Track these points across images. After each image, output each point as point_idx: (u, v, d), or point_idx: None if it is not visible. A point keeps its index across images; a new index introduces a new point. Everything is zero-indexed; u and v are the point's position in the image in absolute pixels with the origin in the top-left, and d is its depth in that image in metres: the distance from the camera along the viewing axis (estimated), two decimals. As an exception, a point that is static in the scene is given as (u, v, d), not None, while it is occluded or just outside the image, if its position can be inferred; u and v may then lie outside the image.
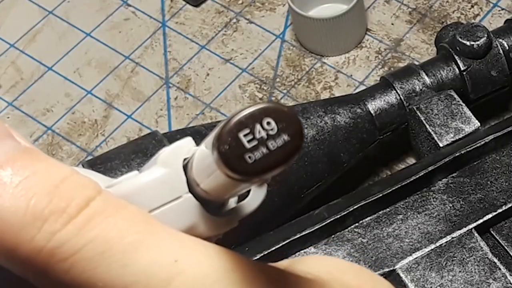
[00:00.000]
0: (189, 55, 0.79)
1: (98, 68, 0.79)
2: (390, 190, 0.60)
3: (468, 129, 0.65)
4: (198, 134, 0.62)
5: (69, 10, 0.83)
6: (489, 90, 0.68)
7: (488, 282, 0.57)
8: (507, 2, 0.82)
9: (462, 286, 0.58)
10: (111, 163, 0.61)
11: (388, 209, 0.61)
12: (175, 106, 0.77)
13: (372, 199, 0.60)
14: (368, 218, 0.61)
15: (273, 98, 0.78)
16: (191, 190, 0.34)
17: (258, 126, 0.25)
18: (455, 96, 0.66)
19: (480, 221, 0.60)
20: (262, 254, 0.58)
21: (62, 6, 0.83)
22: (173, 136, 0.63)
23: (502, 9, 0.81)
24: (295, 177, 0.64)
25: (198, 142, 0.51)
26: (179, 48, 0.80)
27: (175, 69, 0.79)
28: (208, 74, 0.78)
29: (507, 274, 0.58)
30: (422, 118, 0.65)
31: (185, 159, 0.36)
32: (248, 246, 0.60)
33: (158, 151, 0.54)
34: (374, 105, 0.66)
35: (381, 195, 0.60)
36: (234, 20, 0.82)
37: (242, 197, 0.34)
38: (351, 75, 0.76)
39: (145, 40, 0.81)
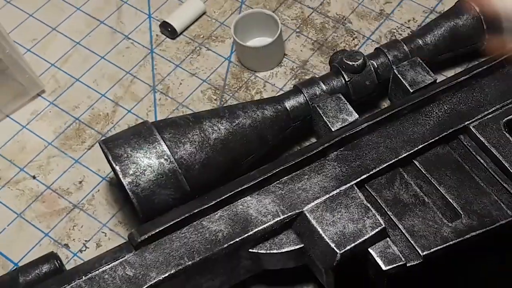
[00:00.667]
0: (168, 71, 0.86)
1: (109, 79, 0.85)
2: (300, 159, 0.66)
3: (350, 119, 0.71)
4: (174, 123, 0.68)
5: (90, 41, 0.89)
6: (364, 94, 0.76)
7: (363, 219, 0.62)
8: (376, 36, 0.87)
9: (346, 221, 0.62)
10: (117, 141, 0.66)
11: (298, 172, 0.67)
12: (159, 104, 0.84)
13: (288, 165, 0.66)
14: (285, 177, 0.66)
15: (223, 100, 0.84)
16: None
17: None
18: (342, 98, 0.73)
19: (358, 179, 0.66)
20: (216, 201, 0.63)
21: (85, 39, 0.89)
22: (157, 124, 0.68)
23: (373, 41, 0.87)
24: (237, 151, 0.70)
25: (175, 129, 0.64)
26: (162, 67, 0.86)
27: (159, 80, 0.85)
28: (181, 83, 0.85)
29: (376, 214, 0.62)
30: (320, 112, 0.72)
31: None
32: (207, 195, 0.65)
33: (148, 133, 0.64)
34: (289, 104, 0.74)
35: (293, 162, 0.66)
36: (198, 48, 0.88)
37: None
38: (274, 84, 0.84)
39: (139, 61, 0.87)
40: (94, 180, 0.78)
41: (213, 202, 0.63)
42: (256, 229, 0.62)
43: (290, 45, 0.87)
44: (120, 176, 0.63)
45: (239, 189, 0.64)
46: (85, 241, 0.73)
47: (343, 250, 0.60)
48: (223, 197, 0.64)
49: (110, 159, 0.64)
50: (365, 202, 0.64)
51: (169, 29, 0.88)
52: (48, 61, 0.87)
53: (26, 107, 0.84)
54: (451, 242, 0.62)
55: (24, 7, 0.92)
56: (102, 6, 0.92)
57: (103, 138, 0.68)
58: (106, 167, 0.75)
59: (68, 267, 0.66)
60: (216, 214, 0.64)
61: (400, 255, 0.61)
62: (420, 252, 0.62)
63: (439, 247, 0.62)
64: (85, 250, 0.73)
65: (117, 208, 0.76)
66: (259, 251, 0.63)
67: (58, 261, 0.62)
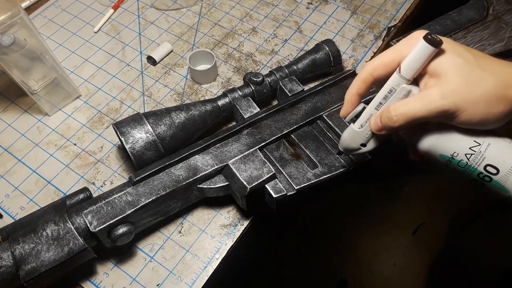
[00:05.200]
0: (151, 84, 0.84)
1: (118, 89, 0.84)
2: (226, 134, 0.65)
3: (255, 111, 0.69)
4: (155, 113, 0.66)
5: (107, 67, 0.87)
6: (263, 97, 0.74)
7: (262, 168, 0.62)
8: (269, 64, 0.85)
9: (253, 170, 0.62)
10: (122, 124, 0.64)
11: (225, 141, 0.66)
12: (146, 102, 0.81)
13: (220, 137, 0.65)
14: (218, 144, 0.65)
15: (182, 100, 0.81)
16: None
17: None
18: (250, 99, 0.71)
19: (259, 145, 0.65)
20: (178, 158, 0.62)
21: (104, 65, 0.87)
22: (145, 114, 0.66)
23: (268, 67, 0.85)
24: (190, 129, 0.68)
25: (156, 117, 0.63)
26: (147, 81, 0.84)
27: (146, 89, 0.83)
28: (158, 91, 0.83)
29: (269, 165, 0.62)
30: (238, 107, 0.70)
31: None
32: (173, 155, 0.63)
33: (140, 119, 0.64)
34: (220, 102, 0.72)
35: (223, 135, 0.65)
36: (168, 71, 0.85)
37: None
38: (212, 91, 0.82)
39: (135, 78, 0.85)
40: (109, 146, 0.77)
41: (177, 158, 0.63)
42: (201, 174, 0.63)
43: (221, 69, 0.86)
44: (124, 143, 0.63)
45: (192, 151, 0.64)
46: (104, 180, 0.74)
47: (251, 186, 0.61)
48: (182, 156, 0.63)
49: (118, 134, 0.64)
50: (263, 158, 0.64)
51: (152, 60, 0.87)
52: (83, 78, 0.86)
53: (70, 104, 0.83)
54: (312, 181, 0.63)
55: (69, 47, 0.91)
56: (114, 47, 0.91)
57: (114, 122, 0.67)
58: (116, 138, 0.78)
59: (94, 196, 0.67)
60: (178, 165, 0.64)
61: (283, 189, 0.62)
62: (295, 187, 0.63)
63: (305, 184, 0.63)
64: (104, 186, 0.73)
65: (122, 161, 0.75)
66: (203, 186, 0.64)
67: (88, 192, 0.63)
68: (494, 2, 0.77)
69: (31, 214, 0.58)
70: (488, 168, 0.44)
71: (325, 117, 0.70)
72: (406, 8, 0.93)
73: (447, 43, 0.43)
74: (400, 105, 0.44)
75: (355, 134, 0.53)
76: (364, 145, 0.53)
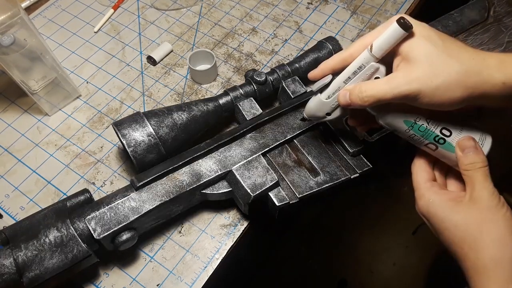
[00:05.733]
0: (151, 84, 0.84)
1: (118, 88, 0.83)
2: (230, 138, 0.65)
3: (257, 112, 0.69)
4: (156, 113, 0.65)
5: (107, 67, 0.87)
6: (265, 96, 0.73)
7: (265, 175, 0.61)
8: (269, 63, 0.84)
9: (256, 176, 0.61)
10: (123, 124, 0.63)
11: (228, 145, 0.65)
12: (146, 102, 0.81)
13: (223, 141, 0.64)
14: (221, 148, 0.65)
15: (182, 100, 0.80)
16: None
17: None
18: (253, 100, 0.71)
19: (263, 151, 0.64)
20: (181, 162, 0.62)
21: (104, 65, 0.87)
22: (146, 113, 0.65)
23: (268, 67, 0.84)
24: (192, 130, 0.67)
25: (157, 118, 0.62)
26: (148, 81, 0.84)
27: (146, 89, 0.83)
28: (158, 91, 0.82)
29: (273, 172, 0.62)
30: (240, 108, 0.69)
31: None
32: (176, 158, 0.63)
33: (141, 121, 0.63)
34: (221, 101, 0.71)
35: (226, 139, 0.65)
36: (168, 71, 0.86)
37: None
38: (212, 91, 0.82)
39: (135, 78, 0.85)
40: (109, 146, 0.77)
41: (180, 163, 0.62)
42: (205, 180, 0.62)
43: (221, 69, 0.86)
44: (126, 147, 0.62)
45: (195, 155, 0.63)
46: (104, 180, 0.73)
47: (255, 194, 0.61)
48: (186, 160, 0.63)
49: (120, 136, 0.63)
50: (266, 165, 0.63)
51: (152, 60, 0.87)
52: (83, 78, 0.86)
53: (70, 104, 0.83)
54: (314, 190, 0.63)
55: (69, 47, 0.91)
56: (114, 47, 0.90)
57: (114, 121, 0.66)
58: (116, 138, 0.78)
59: (94, 196, 0.66)
60: (181, 170, 0.63)
61: (286, 197, 0.62)
62: (297, 195, 0.62)
63: (308, 192, 0.63)
64: (104, 186, 0.72)
65: (122, 162, 0.75)
66: (206, 192, 0.63)
67: (89, 194, 0.62)
68: (495, 2, 0.77)
69: (31, 217, 0.58)
70: (443, 131, 0.49)
71: (328, 123, 0.69)
72: (406, 8, 0.93)
73: (420, 27, 0.46)
74: (371, 87, 0.47)
75: (322, 104, 0.56)
76: (329, 114, 0.57)
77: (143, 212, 0.58)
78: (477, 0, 0.81)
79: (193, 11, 0.95)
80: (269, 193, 0.62)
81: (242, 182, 0.61)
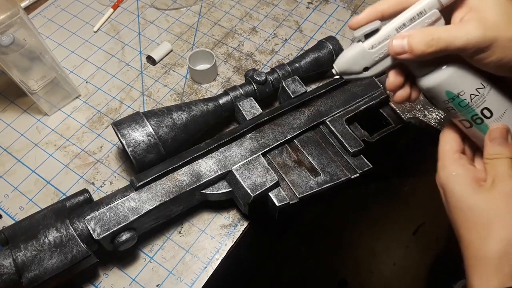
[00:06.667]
0: (151, 83, 0.84)
1: (117, 88, 0.83)
2: (229, 138, 0.65)
3: (257, 112, 0.69)
4: (155, 113, 0.65)
5: (106, 66, 0.87)
6: (265, 96, 0.73)
7: (266, 175, 0.61)
8: (269, 63, 0.85)
9: (256, 176, 0.61)
10: (122, 124, 0.63)
11: (228, 145, 0.65)
12: (146, 102, 0.81)
13: (223, 141, 0.64)
14: (221, 148, 0.64)
15: (182, 100, 0.80)
16: None
17: None
18: (253, 100, 0.70)
19: (263, 151, 0.64)
20: (181, 162, 0.62)
21: (103, 65, 0.87)
22: (146, 113, 0.65)
23: (268, 67, 0.85)
24: (192, 130, 0.67)
25: (157, 118, 0.62)
26: (147, 81, 0.84)
27: (146, 88, 0.83)
28: (158, 90, 0.82)
29: (273, 173, 0.62)
30: (240, 108, 0.69)
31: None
32: (175, 158, 0.63)
33: (141, 121, 0.62)
34: (221, 101, 0.70)
35: (226, 139, 0.65)
36: (168, 71, 0.86)
37: None
38: (212, 91, 0.82)
39: (134, 78, 0.85)
40: (108, 146, 0.77)
41: (180, 163, 0.62)
42: (205, 180, 0.62)
43: (221, 69, 0.86)
44: (126, 147, 0.62)
45: (195, 155, 0.63)
46: (104, 180, 0.73)
47: (255, 194, 0.61)
48: (185, 160, 0.63)
49: (119, 136, 0.63)
50: (266, 165, 0.63)
51: (152, 60, 0.87)
52: (82, 78, 0.86)
53: (70, 104, 0.83)
54: (314, 190, 0.63)
55: (69, 47, 0.91)
56: (113, 47, 0.90)
57: (113, 121, 0.66)
58: (115, 138, 0.77)
59: (94, 197, 0.67)
60: (181, 170, 0.63)
61: (286, 197, 0.62)
62: (298, 195, 0.62)
63: (308, 193, 0.63)
64: (103, 186, 0.72)
65: (122, 162, 0.75)
66: (206, 192, 0.63)
67: (88, 194, 0.62)
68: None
69: (30, 217, 0.58)
70: (484, 111, 0.46)
71: (328, 122, 0.69)
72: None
73: None
74: (441, 30, 0.42)
75: (364, 55, 0.47)
76: (367, 69, 0.48)
77: (142, 212, 0.58)
78: None
79: (193, 10, 0.95)
80: (269, 193, 0.62)
81: (242, 182, 0.61)
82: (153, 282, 0.63)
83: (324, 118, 0.69)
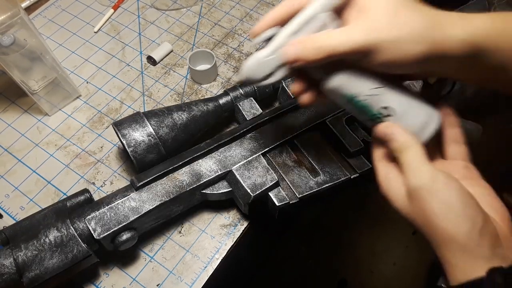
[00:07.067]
0: (151, 84, 0.84)
1: (118, 88, 0.83)
2: (230, 138, 0.65)
3: (257, 112, 0.69)
4: (156, 113, 0.65)
5: (107, 67, 0.86)
6: (264, 96, 0.74)
7: (266, 175, 0.61)
8: None
9: (256, 176, 0.61)
10: (123, 124, 0.63)
11: (229, 145, 0.65)
12: (146, 102, 0.81)
13: (223, 141, 0.64)
14: (221, 148, 0.64)
15: (182, 100, 0.80)
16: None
17: None
18: (253, 100, 0.71)
19: (263, 151, 0.64)
20: (182, 162, 0.62)
21: (104, 65, 0.87)
22: (146, 113, 0.65)
23: None
24: (192, 130, 0.67)
25: (157, 118, 0.61)
26: (148, 81, 0.84)
27: (146, 89, 0.83)
28: (158, 91, 0.82)
29: (273, 172, 0.62)
30: (240, 108, 0.70)
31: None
32: (176, 158, 0.63)
33: (141, 121, 0.62)
34: (221, 101, 0.71)
35: (226, 139, 0.65)
36: (168, 71, 0.86)
37: None
38: (212, 91, 0.82)
39: (135, 78, 0.85)
40: (109, 146, 0.77)
41: (180, 163, 0.62)
42: (205, 180, 0.62)
43: (221, 69, 0.86)
44: (126, 147, 0.63)
45: (195, 155, 0.63)
46: (104, 180, 0.73)
47: (255, 194, 0.61)
48: (186, 160, 0.63)
49: (120, 136, 0.63)
50: (266, 165, 0.63)
51: (152, 60, 0.87)
52: (83, 78, 0.86)
53: (70, 104, 0.83)
54: (314, 190, 0.63)
55: (69, 47, 0.91)
56: (114, 47, 0.90)
57: (114, 122, 0.66)
58: (116, 138, 0.78)
59: (94, 196, 0.66)
60: (181, 170, 0.63)
61: (286, 197, 0.62)
62: (297, 195, 0.62)
63: (308, 192, 0.62)
64: (104, 186, 0.73)
65: (122, 162, 0.75)
66: (206, 192, 0.63)
67: (89, 194, 0.62)
68: (495, 3, 0.78)
69: (31, 217, 0.58)
70: (383, 110, 0.46)
71: (328, 122, 0.69)
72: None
73: None
74: (324, 37, 0.41)
75: (263, 63, 0.47)
76: (269, 75, 0.48)
77: (143, 212, 0.58)
78: (477, 0, 0.81)
79: (193, 11, 0.95)
80: (269, 193, 0.62)
81: (242, 182, 0.61)
82: (153, 282, 0.63)
83: (324, 118, 0.69)
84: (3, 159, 0.75)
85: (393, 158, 0.46)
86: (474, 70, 0.42)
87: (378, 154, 0.47)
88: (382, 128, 0.45)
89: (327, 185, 0.63)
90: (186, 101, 0.80)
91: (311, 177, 0.64)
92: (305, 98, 0.49)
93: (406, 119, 0.46)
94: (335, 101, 0.48)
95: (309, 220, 1.43)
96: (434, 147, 0.49)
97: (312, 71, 0.47)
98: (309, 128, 0.68)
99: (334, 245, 1.43)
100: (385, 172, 0.44)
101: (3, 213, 0.69)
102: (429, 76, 0.49)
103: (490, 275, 0.34)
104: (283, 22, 0.46)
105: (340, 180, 0.64)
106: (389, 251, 1.40)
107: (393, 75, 0.44)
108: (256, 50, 0.50)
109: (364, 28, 0.40)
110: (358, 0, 0.42)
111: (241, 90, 0.72)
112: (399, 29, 0.39)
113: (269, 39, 0.47)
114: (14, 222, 0.63)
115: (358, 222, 1.44)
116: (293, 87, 0.49)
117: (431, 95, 0.50)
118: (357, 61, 0.42)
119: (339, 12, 0.44)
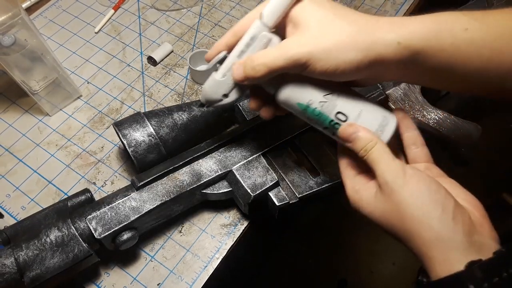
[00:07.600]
0: (152, 84, 0.84)
1: (118, 89, 0.83)
2: (230, 138, 0.65)
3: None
4: (156, 114, 0.65)
5: (107, 67, 0.86)
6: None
7: (266, 175, 0.61)
8: None
9: (256, 176, 0.61)
10: (123, 125, 0.63)
11: (229, 145, 0.65)
12: (147, 103, 0.81)
13: (223, 141, 0.64)
14: (221, 149, 0.64)
15: (182, 100, 0.81)
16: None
17: None
18: None
19: (263, 151, 0.64)
20: (182, 162, 0.62)
21: (105, 66, 0.87)
22: (147, 114, 0.65)
23: None
24: (193, 130, 0.66)
25: (158, 118, 0.62)
26: (148, 82, 0.84)
27: (146, 89, 0.83)
28: (159, 91, 0.83)
29: (273, 172, 0.62)
30: (240, 108, 0.70)
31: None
32: (176, 158, 0.63)
33: (142, 121, 0.62)
34: None
35: (226, 140, 0.65)
36: (168, 71, 0.86)
37: None
38: None
39: (135, 78, 0.85)
40: (109, 146, 0.77)
41: (181, 163, 0.62)
42: (205, 180, 0.62)
43: None
44: (127, 147, 0.63)
45: (195, 155, 0.63)
46: (105, 180, 0.73)
47: (255, 194, 0.61)
48: (186, 160, 0.63)
49: (120, 136, 0.63)
50: (266, 165, 0.63)
51: (152, 60, 0.87)
52: (83, 78, 0.86)
53: (71, 104, 0.83)
54: (314, 190, 0.63)
55: (70, 48, 0.91)
56: (114, 47, 0.90)
57: (114, 122, 0.66)
58: (116, 138, 0.78)
59: (95, 196, 0.67)
60: (182, 170, 0.63)
61: (286, 197, 0.62)
62: (297, 195, 0.62)
63: (308, 192, 0.63)
64: (105, 186, 0.73)
65: (123, 161, 0.75)
66: (207, 191, 0.63)
67: (89, 193, 0.62)
68: (495, 3, 0.78)
69: (32, 217, 0.58)
70: (339, 115, 0.46)
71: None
72: (406, 9, 0.92)
73: None
74: (261, 54, 0.43)
75: (217, 84, 0.51)
76: (226, 95, 0.52)
77: (143, 212, 0.58)
78: (476, 0, 0.81)
79: (193, 11, 0.95)
80: (269, 193, 0.62)
81: (242, 182, 0.61)
82: (154, 281, 0.64)
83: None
84: (4, 159, 0.75)
85: (357, 165, 0.47)
86: (419, 72, 0.43)
87: (343, 164, 0.48)
88: (346, 128, 0.45)
89: (327, 185, 0.63)
90: (186, 101, 0.80)
91: (311, 177, 0.64)
92: (264, 113, 0.52)
93: (363, 122, 0.47)
94: (293, 113, 0.49)
95: (309, 220, 1.43)
96: (397, 152, 0.49)
97: (266, 87, 0.48)
98: (309, 128, 0.68)
99: (334, 245, 1.43)
100: (352, 185, 0.46)
101: (4, 213, 0.69)
102: (379, 81, 0.50)
103: (469, 269, 0.34)
104: (231, 47, 0.49)
105: (340, 180, 0.64)
106: (388, 251, 1.40)
107: (344, 82, 0.45)
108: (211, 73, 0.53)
109: (296, 42, 0.42)
110: (294, 16, 0.44)
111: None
112: (328, 40, 0.40)
113: (223, 61, 0.50)
114: (15, 221, 0.64)
115: (358, 222, 1.44)
116: (250, 104, 0.52)
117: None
118: (300, 72, 0.43)
119: (282, 28, 0.46)
